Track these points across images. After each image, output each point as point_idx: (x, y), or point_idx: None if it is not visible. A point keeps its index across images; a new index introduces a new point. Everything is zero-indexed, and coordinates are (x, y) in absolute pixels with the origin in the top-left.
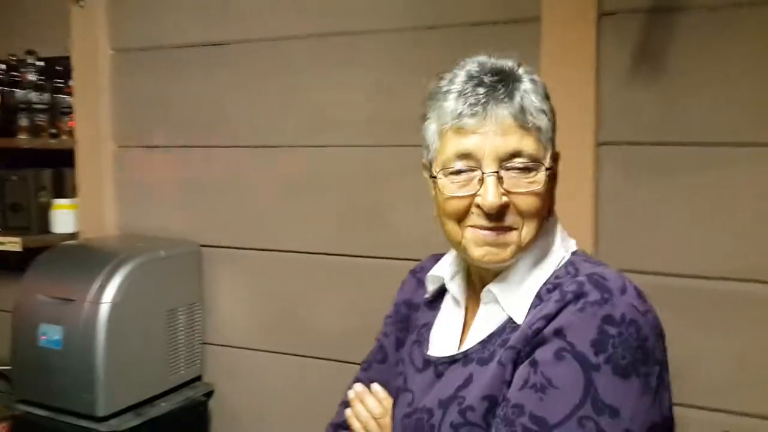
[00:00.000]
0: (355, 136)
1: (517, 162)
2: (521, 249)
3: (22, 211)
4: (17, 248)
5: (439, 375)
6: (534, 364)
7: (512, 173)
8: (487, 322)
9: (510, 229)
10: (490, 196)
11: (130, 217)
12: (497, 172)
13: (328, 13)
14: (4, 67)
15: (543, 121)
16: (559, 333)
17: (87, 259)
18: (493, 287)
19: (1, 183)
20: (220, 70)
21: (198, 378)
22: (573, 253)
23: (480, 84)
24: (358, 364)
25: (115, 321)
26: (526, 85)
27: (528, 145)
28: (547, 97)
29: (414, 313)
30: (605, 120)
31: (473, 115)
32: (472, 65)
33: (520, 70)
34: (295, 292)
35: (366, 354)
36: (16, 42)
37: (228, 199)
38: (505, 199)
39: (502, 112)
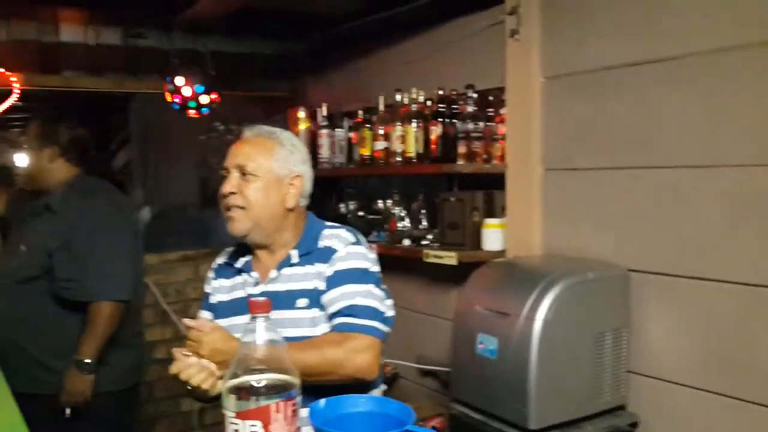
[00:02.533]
0: None
1: None
2: None
3: (458, 229)
4: (453, 262)
5: None
6: None
7: None
8: None
9: None
10: None
11: (554, 238)
12: None
13: None
14: (445, 103)
15: None
16: None
17: (519, 276)
18: None
19: (441, 204)
20: (652, 89)
21: (622, 407)
22: None
23: None
24: None
25: (546, 338)
26: None
27: None
28: None
29: None
30: None
31: None
32: None
33: None
34: (739, 329)
35: None
36: (457, 78)
37: (660, 223)
38: None
39: None
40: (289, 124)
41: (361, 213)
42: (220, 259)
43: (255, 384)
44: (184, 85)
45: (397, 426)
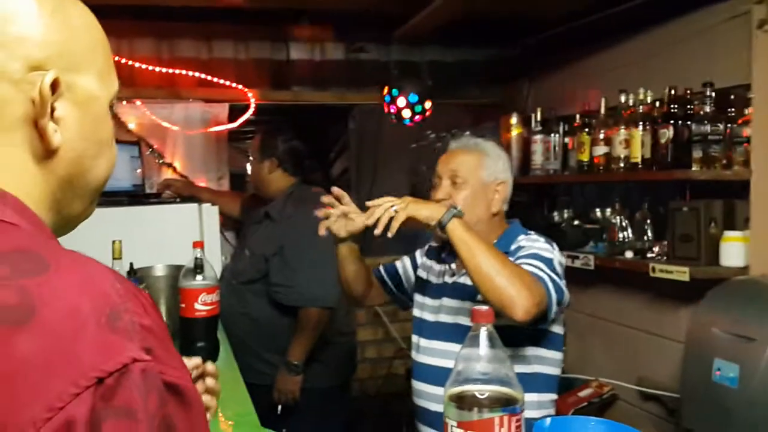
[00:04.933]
0: None
1: None
2: None
3: (691, 241)
4: (684, 278)
5: None
6: None
7: None
8: None
9: None
10: None
11: None
12: None
13: None
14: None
15: None
16: None
17: (766, 297)
18: None
19: (672, 214)
20: None
21: None
22: None
23: None
24: None
25: None
26: None
27: None
28: None
29: None
30: None
31: None
32: None
33: None
34: None
35: None
36: (691, 76)
37: None
38: None
39: None
40: (500, 130)
41: (576, 222)
42: (431, 244)
43: (478, 395)
44: (400, 96)
45: None
